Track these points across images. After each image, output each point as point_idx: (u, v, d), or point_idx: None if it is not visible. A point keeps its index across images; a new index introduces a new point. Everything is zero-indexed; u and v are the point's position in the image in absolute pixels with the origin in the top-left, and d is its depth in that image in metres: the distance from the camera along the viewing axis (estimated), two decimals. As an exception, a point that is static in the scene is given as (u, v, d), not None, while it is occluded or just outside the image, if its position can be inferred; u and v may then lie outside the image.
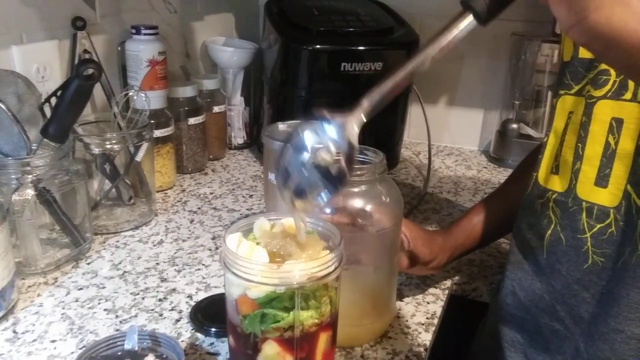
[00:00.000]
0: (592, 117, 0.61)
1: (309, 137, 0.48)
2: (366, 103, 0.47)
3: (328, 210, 0.63)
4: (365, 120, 0.47)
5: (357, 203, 0.64)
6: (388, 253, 0.68)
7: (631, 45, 0.37)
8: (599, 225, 0.60)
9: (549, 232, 0.66)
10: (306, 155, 0.48)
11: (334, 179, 0.47)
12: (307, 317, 0.49)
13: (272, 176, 0.79)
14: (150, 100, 1.01)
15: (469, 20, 0.43)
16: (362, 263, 0.65)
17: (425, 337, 0.72)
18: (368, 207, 0.64)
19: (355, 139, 0.47)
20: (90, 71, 0.81)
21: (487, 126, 1.45)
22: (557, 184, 0.65)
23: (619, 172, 0.59)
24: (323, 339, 0.52)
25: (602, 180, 0.60)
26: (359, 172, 0.63)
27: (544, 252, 0.66)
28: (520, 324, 0.71)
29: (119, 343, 0.62)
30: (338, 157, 0.47)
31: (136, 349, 0.61)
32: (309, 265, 0.48)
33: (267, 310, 0.48)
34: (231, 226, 0.53)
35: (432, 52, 0.45)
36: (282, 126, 0.83)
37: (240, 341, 0.51)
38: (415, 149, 1.47)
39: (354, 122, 0.47)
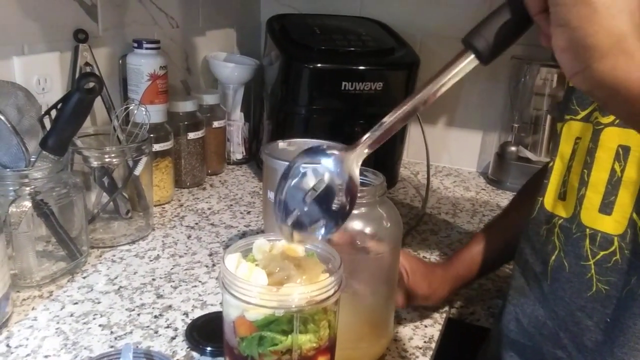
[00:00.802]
0: (599, 143, 0.61)
1: (309, 171, 0.48)
2: (368, 138, 0.47)
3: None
4: (366, 155, 0.48)
5: (356, 225, 0.64)
6: (386, 276, 0.67)
7: (634, 95, 0.38)
8: (602, 253, 0.60)
9: (553, 257, 0.65)
10: (306, 189, 0.48)
11: (335, 214, 0.47)
12: (305, 341, 0.49)
13: (271, 195, 0.79)
14: (150, 114, 1.01)
15: (469, 59, 0.44)
16: (360, 286, 0.65)
17: (423, 361, 0.71)
18: (367, 230, 0.64)
19: (356, 175, 0.47)
20: (92, 85, 0.81)
21: (486, 148, 1.46)
22: (562, 210, 0.65)
23: (625, 199, 0.59)
24: (321, 363, 0.51)
25: (606, 207, 0.60)
26: (361, 194, 0.63)
27: (547, 278, 0.66)
28: (522, 351, 0.70)
29: (114, 360, 0.62)
30: (340, 192, 0.47)
31: (131, 367, 0.60)
32: (308, 288, 0.48)
33: (265, 333, 0.48)
34: (230, 246, 0.53)
35: (433, 89, 0.45)
36: (282, 144, 0.83)
37: (237, 364, 0.50)
38: (414, 168, 1.48)
39: (356, 156, 0.47)
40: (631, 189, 0.58)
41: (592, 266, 0.61)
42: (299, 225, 0.48)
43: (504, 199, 1.30)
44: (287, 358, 0.49)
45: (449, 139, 1.49)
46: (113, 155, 0.94)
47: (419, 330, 0.77)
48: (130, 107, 0.98)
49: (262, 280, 0.49)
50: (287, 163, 0.77)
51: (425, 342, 0.75)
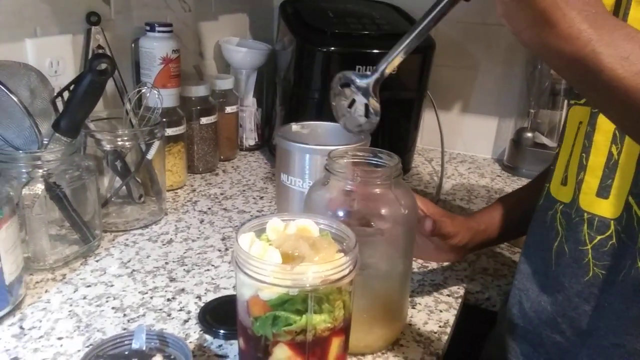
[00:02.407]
0: (596, 126, 0.60)
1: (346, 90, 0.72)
2: (381, 65, 0.66)
3: (341, 214, 0.62)
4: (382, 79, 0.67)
5: (371, 206, 0.63)
6: (401, 259, 0.66)
7: (567, 63, 0.43)
8: (599, 237, 0.59)
9: (556, 244, 0.65)
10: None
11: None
12: (320, 321, 0.48)
13: (284, 177, 0.78)
14: (163, 98, 1.00)
15: None
16: (374, 268, 0.64)
17: (438, 346, 0.70)
18: (382, 211, 0.63)
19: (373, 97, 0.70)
20: (104, 66, 0.80)
21: (501, 134, 1.44)
22: (564, 196, 0.64)
23: (621, 183, 0.58)
24: (336, 344, 0.50)
25: (603, 191, 0.59)
26: (373, 175, 0.62)
27: (552, 264, 0.65)
28: (524, 335, 0.70)
29: (126, 342, 0.61)
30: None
31: (144, 348, 0.60)
32: (322, 267, 0.47)
33: (279, 313, 0.47)
34: (243, 225, 0.52)
35: (431, 22, 0.61)
36: (295, 127, 0.83)
37: (251, 343, 0.50)
38: (428, 155, 1.46)
39: (373, 82, 0.69)
40: (627, 172, 0.57)
41: (590, 251, 0.60)
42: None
43: (519, 185, 1.28)
44: (301, 338, 0.48)
45: (464, 125, 1.47)
46: (126, 138, 0.94)
47: (433, 315, 0.76)
48: (143, 91, 0.97)
49: (276, 259, 0.48)
50: (301, 145, 0.77)
51: (440, 326, 0.74)
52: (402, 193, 0.65)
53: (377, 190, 0.63)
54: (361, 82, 0.70)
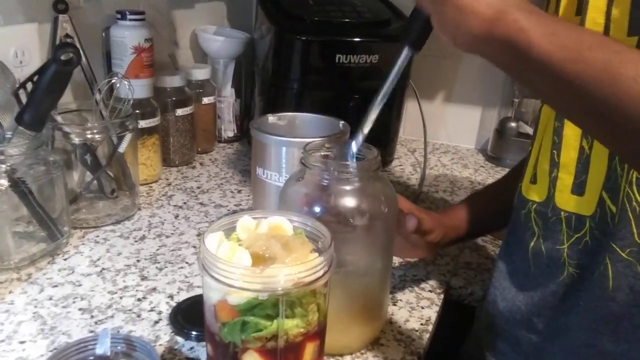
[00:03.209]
0: (565, 121, 0.58)
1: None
2: (358, 134, 0.62)
3: (318, 210, 0.59)
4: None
5: (348, 202, 0.60)
6: (380, 256, 0.64)
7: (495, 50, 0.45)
8: (576, 236, 0.58)
9: (532, 244, 0.63)
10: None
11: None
12: (292, 326, 0.45)
13: (260, 171, 0.75)
14: (134, 88, 0.96)
15: (406, 52, 0.58)
16: (353, 266, 0.61)
17: (419, 345, 0.68)
18: (360, 207, 0.60)
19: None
20: (69, 56, 0.76)
21: (485, 124, 1.41)
22: (535, 194, 0.62)
23: (595, 178, 0.56)
24: (310, 349, 0.47)
25: (578, 188, 0.57)
26: (351, 169, 0.59)
27: (530, 264, 0.63)
28: (500, 334, 0.68)
29: (90, 347, 0.58)
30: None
31: (108, 354, 0.57)
32: (295, 269, 0.44)
33: (248, 318, 0.44)
34: (212, 224, 0.49)
35: (392, 83, 0.61)
36: (272, 118, 0.79)
37: (219, 350, 0.47)
38: (411, 145, 1.43)
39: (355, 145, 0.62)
40: (600, 167, 0.55)
41: (565, 249, 0.58)
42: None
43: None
44: (272, 345, 0.45)
45: (447, 115, 1.45)
46: (95, 131, 0.90)
47: (415, 311, 0.74)
48: (113, 81, 0.93)
49: (246, 261, 0.45)
50: (277, 137, 0.74)
51: (422, 324, 0.71)
52: (381, 187, 0.62)
53: (356, 184, 0.60)
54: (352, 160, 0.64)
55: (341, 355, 0.64)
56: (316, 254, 0.47)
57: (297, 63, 1.11)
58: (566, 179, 0.58)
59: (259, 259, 0.46)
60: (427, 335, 0.69)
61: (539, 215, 0.62)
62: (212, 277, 0.44)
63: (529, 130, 1.30)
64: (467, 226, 0.78)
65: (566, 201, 0.58)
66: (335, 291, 0.59)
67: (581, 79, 0.39)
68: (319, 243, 0.50)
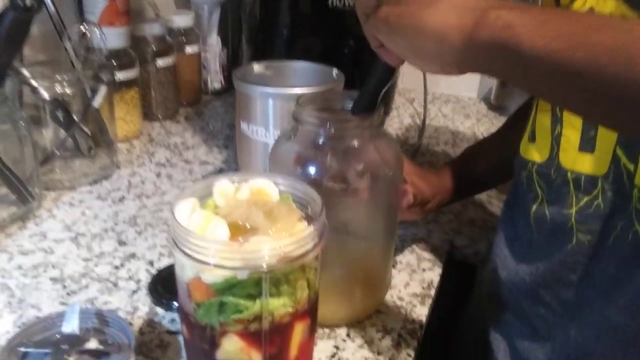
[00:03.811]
0: None
1: None
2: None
3: (312, 171, 0.52)
4: None
5: (349, 163, 0.53)
6: (384, 221, 0.57)
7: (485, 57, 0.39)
8: (586, 198, 0.51)
9: (534, 207, 0.56)
10: None
11: None
12: (278, 306, 0.39)
13: (244, 126, 0.68)
14: (109, 37, 0.88)
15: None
16: (352, 233, 0.55)
17: (421, 312, 0.62)
18: (360, 167, 0.53)
19: None
20: (29, 1, 0.68)
21: (487, 71, 1.33)
22: (535, 153, 0.56)
23: (607, 132, 0.48)
24: (299, 329, 0.42)
25: (587, 144, 0.50)
26: (351, 126, 0.52)
27: (532, 230, 0.57)
28: (505, 304, 0.62)
29: (58, 323, 0.53)
30: None
31: (77, 331, 0.51)
32: (280, 242, 0.38)
33: (226, 299, 0.38)
34: (184, 190, 0.42)
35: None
36: (257, 67, 0.72)
37: (195, 333, 0.41)
38: (410, 95, 1.35)
39: None
40: None
41: (573, 214, 0.52)
42: None
43: (507, 127, 1.19)
44: (256, 327, 0.39)
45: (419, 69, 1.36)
46: (66, 84, 0.82)
47: (416, 275, 0.69)
48: (83, 30, 0.84)
49: (222, 232, 0.38)
50: (262, 88, 0.67)
51: (423, 288, 0.66)
52: (384, 145, 0.55)
53: (355, 143, 0.53)
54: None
55: (336, 325, 0.59)
56: (305, 223, 0.41)
57: (286, 7, 1.03)
58: (571, 135, 0.51)
59: (239, 230, 0.39)
60: (429, 301, 0.64)
61: (541, 176, 0.55)
62: (183, 252, 0.38)
63: (535, 77, 1.22)
64: (463, 186, 0.73)
65: (573, 160, 0.52)
66: (333, 260, 0.53)
67: (590, 66, 0.33)
68: (309, 209, 0.44)
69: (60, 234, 0.73)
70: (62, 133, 0.87)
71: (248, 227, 0.40)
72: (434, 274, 0.69)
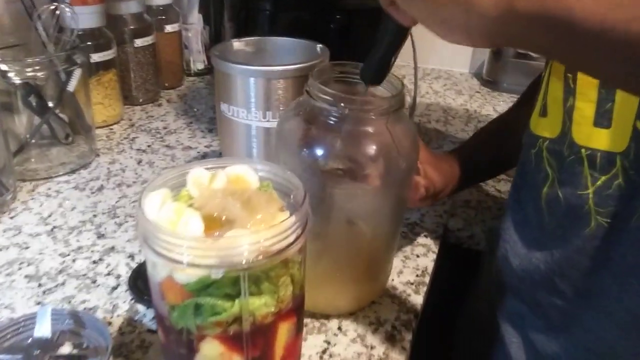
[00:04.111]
0: None
1: None
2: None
3: (320, 153, 0.48)
4: None
5: (361, 148, 0.48)
6: (392, 212, 0.53)
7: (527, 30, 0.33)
8: (603, 178, 0.46)
9: (545, 189, 0.52)
10: None
11: None
12: (259, 306, 0.36)
13: (225, 107, 0.64)
14: (81, 17, 0.83)
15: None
16: (359, 223, 0.51)
17: (416, 301, 0.59)
18: (374, 154, 0.49)
19: None
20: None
21: (480, 45, 1.29)
22: (546, 129, 0.51)
23: (624, 105, 0.44)
24: (284, 329, 0.38)
25: (602, 118, 0.46)
26: (366, 107, 0.47)
27: (543, 213, 0.53)
28: (516, 294, 0.58)
29: (30, 326, 0.49)
30: None
31: (49, 335, 0.48)
32: (259, 235, 0.34)
33: (202, 300, 0.35)
34: (154, 179, 0.39)
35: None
36: (237, 44, 0.68)
37: (171, 337, 0.38)
38: (400, 71, 1.31)
39: None
40: None
41: (590, 196, 0.47)
42: None
43: (500, 102, 1.16)
44: (236, 329, 0.36)
45: (438, 37, 1.32)
46: (37, 67, 0.78)
47: (409, 261, 0.65)
48: (52, 8, 0.80)
49: (195, 227, 0.35)
50: (242, 66, 0.62)
51: (417, 275, 0.63)
52: (401, 131, 0.50)
53: (370, 128, 0.48)
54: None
55: (327, 318, 0.56)
56: (287, 213, 0.37)
57: (268, -19, 0.98)
58: (585, 108, 0.47)
59: (214, 223, 0.36)
60: (424, 289, 0.61)
61: (552, 154, 0.51)
62: (153, 250, 0.34)
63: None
64: (474, 173, 0.69)
65: (587, 136, 0.47)
66: (336, 249, 0.51)
67: None
68: (291, 197, 0.40)
69: (36, 228, 0.69)
70: (37, 120, 0.83)
71: (224, 219, 0.36)
72: (428, 260, 0.66)
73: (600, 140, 0.46)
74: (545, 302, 0.54)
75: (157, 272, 0.36)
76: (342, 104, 0.46)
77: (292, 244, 0.36)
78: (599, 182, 0.47)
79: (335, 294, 0.55)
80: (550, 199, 0.52)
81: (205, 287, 0.34)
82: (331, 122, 0.47)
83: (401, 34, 0.45)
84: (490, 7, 0.33)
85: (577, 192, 0.49)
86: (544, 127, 0.52)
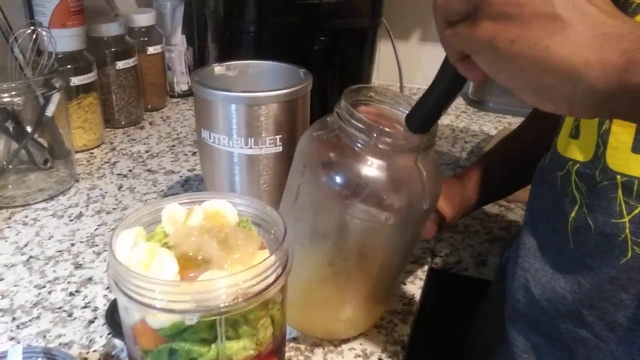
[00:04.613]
0: None
1: None
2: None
3: (338, 180, 0.45)
4: None
5: (384, 182, 0.46)
6: (405, 247, 0.52)
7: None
8: (639, 206, 0.44)
9: (573, 214, 0.49)
10: None
11: None
12: (237, 350, 0.34)
13: (205, 134, 0.62)
14: (60, 39, 0.82)
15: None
16: (371, 255, 0.49)
17: (403, 331, 0.58)
18: (398, 190, 0.46)
19: None
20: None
21: (465, 64, 1.29)
22: (577, 152, 0.48)
23: None
24: (264, 372, 0.37)
25: None
26: (399, 141, 0.45)
27: (569, 240, 0.50)
28: (535, 326, 0.55)
29: (1, 366, 0.47)
30: None
31: (20, 376, 0.46)
32: (237, 277, 0.33)
33: (176, 345, 0.33)
34: (127, 216, 0.37)
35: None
36: (218, 68, 0.67)
37: (145, 383, 0.36)
38: (385, 91, 1.31)
39: None
40: None
41: (627, 224, 0.45)
42: None
43: (486, 121, 1.15)
44: (213, 375, 0.34)
45: (424, 56, 1.32)
46: (15, 92, 0.76)
47: (395, 289, 0.64)
48: (28, 32, 0.78)
49: (169, 269, 0.33)
50: (223, 92, 0.61)
51: (404, 304, 0.61)
52: (429, 171, 0.47)
53: (400, 162, 0.46)
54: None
55: (312, 352, 0.54)
56: (266, 252, 0.36)
57: (251, 2, 0.97)
58: (623, 132, 0.44)
59: (190, 264, 0.34)
60: (411, 319, 0.59)
61: (583, 178, 0.48)
62: (124, 293, 0.33)
63: (514, 69, 1.18)
64: (483, 199, 0.67)
65: (624, 162, 0.44)
66: (340, 278, 0.50)
67: None
68: (272, 232, 0.39)
69: (12, 258, 0.67)
70: (15, 145, 0.81)
71: (200, 259, 0.34)
72: (416, 288, 0.64)
73: (638, 167, 0.44)
74: (569, 335, 0.51)
75: (130, 316, 0.34)
76: (374, 134, 0.44)
77: (272, 284, 0.34)
78: (636, 211, 0.45)
79: (332, 320, 0.54)
80: (578, 225, 0.49)
81: (179, 332, 0.32)
82: (359, 149, 0.45)
83: (461, 84, 0.42)
84: (600, 80, 0.31)
85: (611, 220, 0.46)
86: (575, 150, 0.49)
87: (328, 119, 0.48)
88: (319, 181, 0.46)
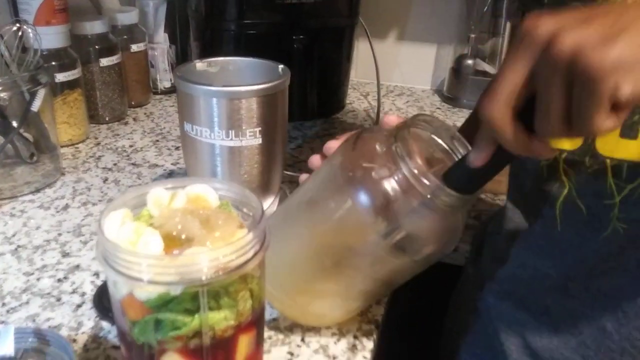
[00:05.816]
0: None
1: None
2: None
3: (365, 202, 0.45)
4: None
5: (423, 231, 0.46)
6: (412, 274, 0.53)
7: None
8: (629, 186, 0.47)
9: (560, 200, 0.52)
10: None
11: None
12: (219, 320, 0.37)
13: (188, 127, 0.65)
14: (45, 37, 0.84)
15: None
16: (379, 279, 0.52)
17: (377, 311, 0.61)
18: (436, 241, 0.47)
19: None
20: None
21: (441, 63, 1.33)
22: (566, 142, 0.51)
23: None
24: (244, 342, 0.40)
25: (629, 130, 0.46)
26: (441, 198, 0.43)
27: (557, 224, 0.53)
28: (520, 302, 0.58)
29: (-7, 346, 0.50)
30: None
31: (12, 354, 0.48)
32: (217, 252, 0.36)
33: (162, 316, 0.36)
34: (114, 200, 0.40)
35: None
36: (200, 65, 0.69)
37: (133, 352, 0.39)
38: (364, 89, 1.35)
39: None
40: None
41: (617, 204, 0.48)
42: None
43: (460, 117, 1.19)
44: (196, 343, 0.37)
45: (401, 55, 1.36)
46: (0, 88, 0.78)
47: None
48: (14, 29, 0.80)
49: (154, 245, 0.36)
50: (204, 87, 0.64)
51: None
52: (453, 226, 0.48)
53: (436, 214, 0.45)
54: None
55: (291, 330, 0.57)
56: (245, 230, 0.39)
57: (232, 1, 1.00)
58: None
59: (174, 242, 0.37)
60: (385, 300, 0.63)
61: (571, 165, 0.51)
62: (113, 269, 0.36)
63: (487, 68, 1.22)
64: None
65: (612, 147, 0.47)
66: (354, 291, 0.53)
67: None
68: (251, 215, 0.42)
69: (0, 248, 0.69)
70: (1, 139, 0.83)
71: (183, 238, 0.37)
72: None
73: (627, 150, 0.47)
74: (555, 307, 0.54)
75: (118, 290, 0.37)
76: (424, 177, 0.43)
77: (250, 259, 0.37)
78: (625, 192, 0.48)
79: (329, 308, 0.56)
80: (568, 209, 0.51)
81: (165, 303, 0.36)
82: (396, 179, 0.44)
83: (514, 158, 0.40)
84: None
85: (603, 202, 0.49)
86: (564, 141, 0.53)
87: (379, 149, 0.46)
88: (357, 206, 0.45)
